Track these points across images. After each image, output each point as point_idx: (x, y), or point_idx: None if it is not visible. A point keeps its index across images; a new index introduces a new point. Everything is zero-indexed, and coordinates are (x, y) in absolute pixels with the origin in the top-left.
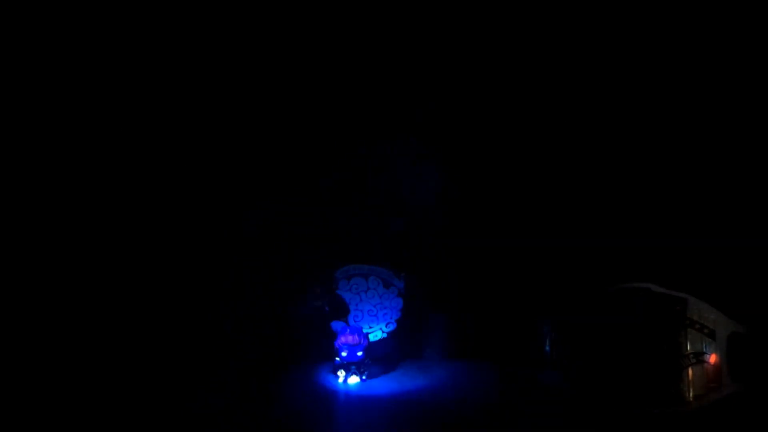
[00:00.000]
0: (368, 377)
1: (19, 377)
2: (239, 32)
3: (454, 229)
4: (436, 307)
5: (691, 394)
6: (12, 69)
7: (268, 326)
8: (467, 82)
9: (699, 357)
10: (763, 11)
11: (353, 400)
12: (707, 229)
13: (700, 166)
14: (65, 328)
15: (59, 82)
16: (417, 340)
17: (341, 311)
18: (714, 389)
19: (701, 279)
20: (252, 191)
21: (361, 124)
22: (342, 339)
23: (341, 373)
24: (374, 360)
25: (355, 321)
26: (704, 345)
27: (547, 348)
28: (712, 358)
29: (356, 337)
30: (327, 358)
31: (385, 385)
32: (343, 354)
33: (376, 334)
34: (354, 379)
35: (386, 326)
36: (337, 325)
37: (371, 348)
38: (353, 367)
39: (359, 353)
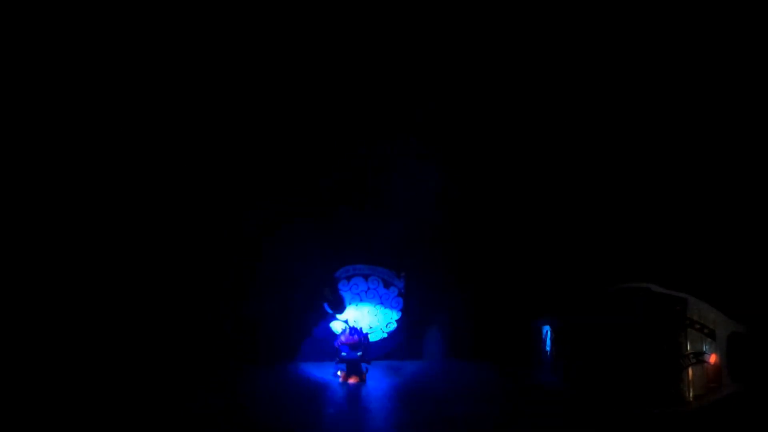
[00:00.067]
0: (368, 377)
1: (20, 377)
2: (239, 32)
3: (454, 229)
4: (436, 307)
5: (691, 394)
6: (12, 69)
7: (268, 326)
8: (467, 82)
9: (699, 357)
10: (763, 11)
11: (353, 400)
12: (707, 229)
13: (700, 166)
14: (65, 328)
15: (59, 83)
16: (417, 340)
17: (338, 305)
18: (714, 389)
19: (701, 279)
20: (252, 191)
21: (361, 124)
22: (342, 339)
23: (341, 373)
24: (374, 360)
25: (355, 321)
26: (704, 345)
27: (547, 348)
28: (712, 358)
29: (356, 337)
30: (327, 358)
31: (385, 385)
32: (343, 354)
33: (376, 334)
34: (354, 379)
35: (386, 326)
36: (337, 325)
37: (371, 348)
38: (353, 367)
39: (359, 353)
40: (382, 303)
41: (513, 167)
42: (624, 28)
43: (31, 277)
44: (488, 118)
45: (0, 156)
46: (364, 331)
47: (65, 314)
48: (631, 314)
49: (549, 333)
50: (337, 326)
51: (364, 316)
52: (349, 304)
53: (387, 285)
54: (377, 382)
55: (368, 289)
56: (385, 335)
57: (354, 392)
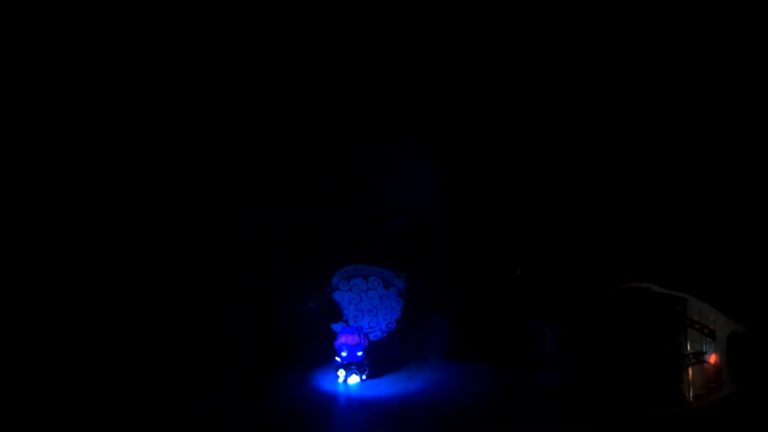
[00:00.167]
0: (368, 377)
1: (20, 377)
2: (239, 33)
3: (454, 228)
4: (436, 307)
5: (691, 394)
6: (12, 69)
7: (268, 326)
8: (467, 82)
9: (699, 357)
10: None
11: (353, 400)
12: (707, 230)
13: (699, 167)
14: (66, 328)
15: (60, 83)
16: (417, 340)
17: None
18: (714, 389)
19: (701, 279)
20: (252, 191)
21: (361, 124)
22: (342, 339)
23: (341, 373)
24: (374, 360)
25: (355, 321)
26: (704, 345)
27: (547, 348)
28: (712, 358)
29: (356, 337)
30: (327, 358)
31: (385, 385)
32: (343, 354)
33: (376, 334)
34: (354, 379)
35: (386, 326)
36: (337, 326)
37: (371, 348)
38: (353, 367)
39: (359, 353)
40: (381, 303)
41: (513, 167)
42: (624, 29)
43: (31, 278)
44: (488, 118)
45: (0, 156)
46: (364, 331)
47: (66, 314)
48: (631, 314)
49: (549, 333)
50: (337, 326)
51: (364, 317)
52: (349, 304)
53: (387, 285)
54: (377, 382)
55: (368, 289)
56: (385, 335)
57: (354, 392)
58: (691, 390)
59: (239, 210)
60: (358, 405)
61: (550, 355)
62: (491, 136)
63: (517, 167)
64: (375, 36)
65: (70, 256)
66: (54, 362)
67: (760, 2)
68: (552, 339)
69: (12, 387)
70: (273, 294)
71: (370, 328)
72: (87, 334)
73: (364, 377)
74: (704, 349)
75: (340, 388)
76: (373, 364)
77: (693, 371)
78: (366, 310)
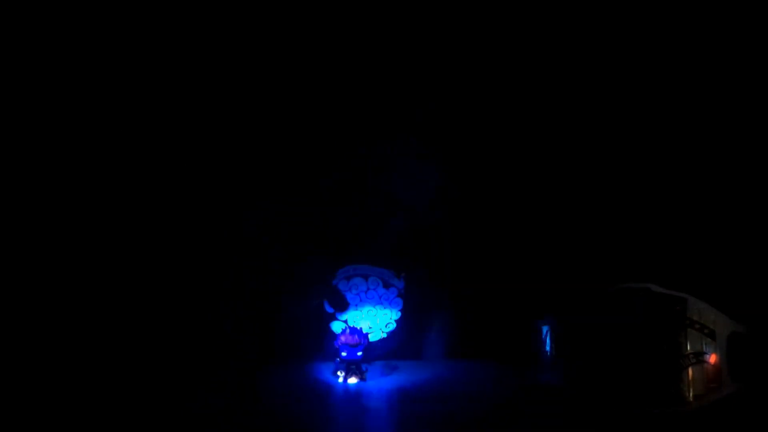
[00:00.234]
0: (368, 377)
1: (20, 377)
2: (240, 33)
3: (454, 228)
4: (436, 306)
5: (691, 394)
6: (12, 69)
7: (268, 326)
8: (467, 82)
9: (699, 357)
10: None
11: (353, 400)
12: (707, 230)
13: (699, 167)
14: (66, 328)
15: (60, 83)
16: (417, 340)
17: (341, 305)
18: (714, 389)
19: (701, 279)
20: (252, 191)
21: (361, 124)
22: (342, 339)
23: (341, 373)
24: (374, 360)
25: (354, 321)
26: (704, 345)
27: (547, 348)
28: (712, 358)
29: (356, 337)
30: (326, 358)
31: (385, 385)
32: (343, 354)
33: (376, 334)
34: (354, 379)
35: (386, 326)
36: (336, 326)
37: (371, 348)
38: (353, 367)
39: (359, 353)
40: (381, 303)
41: (513, 167)
42: (624, 29)
43: (32, 278)
44: (488, 118)
45: (0, 156)
46: (364, 331)
47: (66, 314)
48: (631, 314)
49: (549, 333)
50: (337, 326)
51: (364, 317)
52: (349, 304)
53: (387, 285)
54: (377, 382)
55: (368, 289)
56: (385, 335)
57: (354, 392)
58: (691, 390)
59: (239, 210)
60: (357, 404)
61: (551, 355)
62: (491, 136)
63: (518, 167)
64: (375, 36)
65: (70, 257)
66: (54, 362)
67: (760, 2)
68: (552, 339)
69: (12, 387)
70: (273, 294)
71: (370, 328)
72: (87, 334)
73: (363, 377)
74: (704, 349)
75: (340, 388)
76: (372, 364)
77: (693, 371)
78: (366, 310)
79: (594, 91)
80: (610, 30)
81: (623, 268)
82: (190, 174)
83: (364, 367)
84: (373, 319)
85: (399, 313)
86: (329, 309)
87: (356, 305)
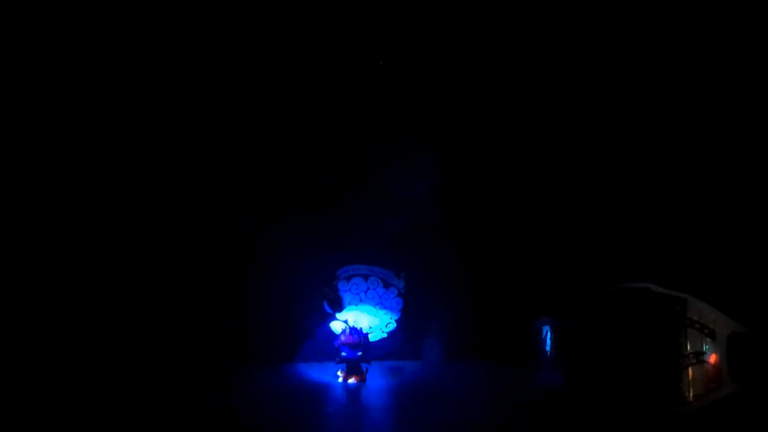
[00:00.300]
0: (368, 377)
1: (20, 377)
2: (239, 33)
3: (454, 228)
4: (436, 307)
5: (691, 394)
6: (12, 69)
7: (268, 326)
8: (466, 82)
9: (699, 357)
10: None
11: (353, 400)
12: (707, 229)
13: (699, 167)
14: (66, 328)
15: (60, 83)
16: (417, 340)
17: (338, 305)
18: (714, 389)
19: (701, 279)
20: (252, 191)
21: (361, 124)
22: (342, 339)
23: (341, 373)
24: (374, 360)
25: (354, 321)
26: (704, 345)
27: (547, 348)
28: (712, 358)
29: (356, 338)
30: (326, 358)
31: (385, 385)
32: (343, 354)
33: (376, 334)
34: (354, 379)
35: (386, 326)
36: (337, 325)
37: (371, 348)
38: (353, 367)
39: (359, 353)
40: (381, 303)
41: (513, 167)
42: (624, 29)
43: (31, 278)
44: (488, 118)
45: (0, 156)
46: (364, 331)
47: (66, 314)
48: (631, 314)
49: (549, 333)
50: (337, 326)
51: (364, 317)
52: (349, 304)
53: (386, 285)
54: (377, 382)
55: (368, 289)
56: (385, 335)
57: (354, 392)
58: (691, 390)
59: (239, 210)
60: (357, 404)
61: (550, 355)
62: (491, 135)
63: (518, 167)
64: (375, 36)
65: (70, 256)
66: (54, 362)
67: (760, 2)
68: (552, 339)
69: (12, 387)
70: (272, 293)
71: (370, 328)
72: (87, 334)
73: (363, 377)
74: (704, 349)
75: (340, 388)
76: (372, 364)
77: (693, 371)
78: (366, 310)
79: (594, 90)
80: (610, 30)
81: (623, 268)
82: (189, 174)
83: (364, 367)
84: (373, 319)
85: (399, 313)
86: (327, 309)
87: (356, 305)
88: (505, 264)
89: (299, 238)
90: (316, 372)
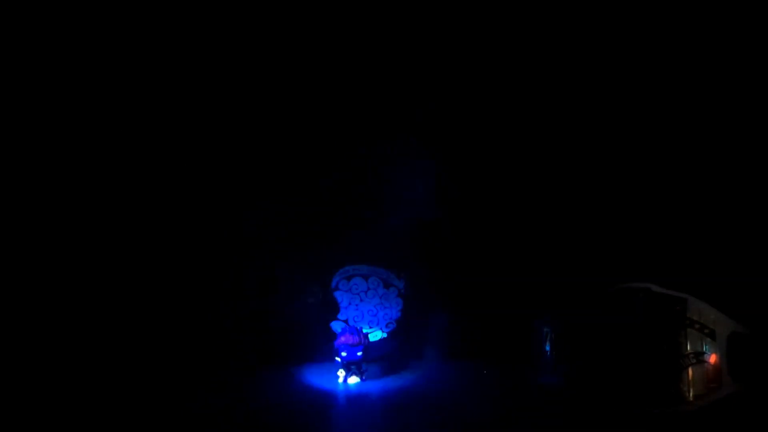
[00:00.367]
0: (368, 377)
1: (20, 377)
2: (239, 33)
3: (454, 228)
4: (436, 306)
5: (691, 394)
6: (12, 69)
7: (267, 325)
8: (466, 82)
9: (699, 357)
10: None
11: (353, 400)
12: (707, 229)
13: (699, 166)
14: (66, 328)
15: (60, 83)
16: (417, 340)
17: (332, 309)
18: (714, 389)
19: (701, 279)
20: (252, 191)
21: (361, 124)
22: (342, 339)
23: (341, 373)
24: (374, 360)
25: (354, 321)
26: (704, 345)
27: (547, 348)
28: (712, 358)
29: (356, 337)
30: (326, 358)
31: (385, 385)
32: (343, 354)
33: (376, 334)
34: (354, 379)
35: (386, 326)
36: (336, 326)
37: (371, 348)
38: (353, 367)
39: (359, 353)
40: (382, 303)
41: (513, 167)
42: (624, 28)
43: (31, 278)
44: (488, 118)
45: (0, 156)
46: (364, 332)
47: (66, 314)
48: (631, 314)
49: (549, 333)
50: (337, 326)
51: (364, 317)
52: (349, 304)
53: (387, 285)
54: (377, 382)
55: (368, 289)
56: (385, 335)
57: (354, 392)
58: (691, 390)
59: (239, 210)
60: (357, 405)
61: (550, 355)
62: (491, 135)
63: (518, 167)
64: (375, 36)
65: (70, 256)
66: (54, 362)
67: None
68: (552, 339)
69: (12, 387)
70: (272, 293)
71: (370, 328)
72: (87, 334)
73: (363, 377)
74: (704, 349)
75: (340, 388)
76: (372, 364)
77: (693, 371)
78: (366, 310)
79: (594, 89)
80: (610, 29)
81: (623, 268)
82: (189, 174)
83: (364, 367)
84: (373, 320)
85: (399, 313)
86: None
87: (356, 305)
88: (505, 264)
89: (299, 238)
90: (316, 372)
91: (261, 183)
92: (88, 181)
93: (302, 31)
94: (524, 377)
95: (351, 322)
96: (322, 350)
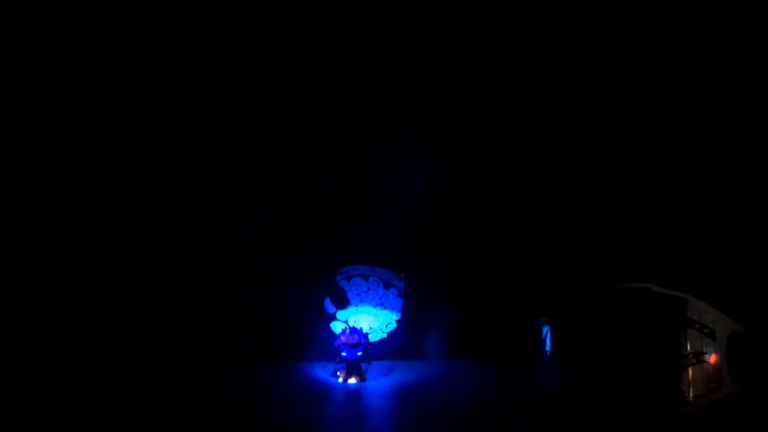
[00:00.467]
0: (368, 377)
1: (20, 377)
2: (239, 33)
3: (454, 228)
4: (436, 307)
5: (691, 394)
6: (12, 69)
7: (267, 325)
8: (466, 82)
9: (699, 357)
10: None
11: (353, 400)
12: (707, 229)
13: (699, 166)
14: (66, 328)
15: (60, 83)
16: (417, 340)
17: (342, 302)
18: (714, 389)
19: (701, 279)
20: (252, 191)
21: (361, 124)
22: (342, 339)
23: (341, 373)
24: (374, 360)
25: (355, 321)
26: (704, 345)
27: (547, 348)
28: (712, 358)
29: (356, 338)
30: (326, 357)
31: (385, 385)
32: (343, 354)
33: (376, 334)
34: (354, 379)
35: (386, 326)
36: (336, 326)
37: (371, 348)
38: (353, 367)
39: (359, 353)
40: (382, 303)
41: (513, 167)
42: (624, 28)
43: (32, 278)
44: (488, 118)
45: (0, 156)
46: (364, 332)
47: (66, 314)
48: (631, 314)
49: (549, 333)
50: (337, 326)
51: (364, 317)
52: (350, 304)
53: (387, 285)
54: (377, 382)
55: (368, 289)
56: (385, 335)
57: (354, 392)
58: (691, 390)
59: (239, 210)
60: (357, 404)
61: (550, 355)
62: (491, 135)
63: (518, 167)
64: (375, 36)
65: (70, 256)
66: (54, 362)
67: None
68: (552, 339)
69: (12, 387)
70: (272, 293)
71: (370, 328)
72: (87, 334)
73: (363, 377)
74: (704, 349)
75: (340, 388)
76: (372, 364)
77: (693, 371)
78: (366, 310)
79: (594, 89)
80: (610, 29)
81: (623, 268)
82: (190, 174)
83: (364, 367)
84: (373, 320)
85: (399, 314)
86: (330, 309)
87: (356, 306)
88: (505, 264)
89: (299, 238)
90: (316, 372)
91: (261, 183)
92: (88, 181)
93: (302, 31)
94: (524, 377)
95: (351, 323)
96: (322, 350)
